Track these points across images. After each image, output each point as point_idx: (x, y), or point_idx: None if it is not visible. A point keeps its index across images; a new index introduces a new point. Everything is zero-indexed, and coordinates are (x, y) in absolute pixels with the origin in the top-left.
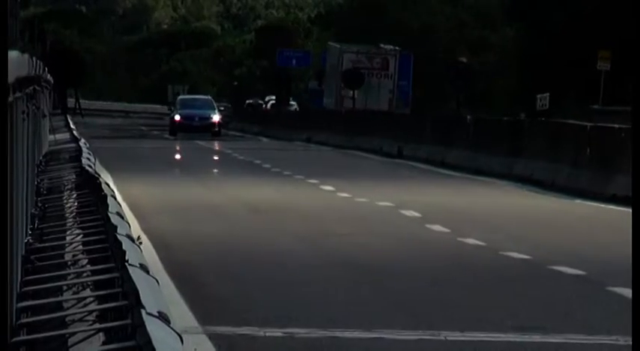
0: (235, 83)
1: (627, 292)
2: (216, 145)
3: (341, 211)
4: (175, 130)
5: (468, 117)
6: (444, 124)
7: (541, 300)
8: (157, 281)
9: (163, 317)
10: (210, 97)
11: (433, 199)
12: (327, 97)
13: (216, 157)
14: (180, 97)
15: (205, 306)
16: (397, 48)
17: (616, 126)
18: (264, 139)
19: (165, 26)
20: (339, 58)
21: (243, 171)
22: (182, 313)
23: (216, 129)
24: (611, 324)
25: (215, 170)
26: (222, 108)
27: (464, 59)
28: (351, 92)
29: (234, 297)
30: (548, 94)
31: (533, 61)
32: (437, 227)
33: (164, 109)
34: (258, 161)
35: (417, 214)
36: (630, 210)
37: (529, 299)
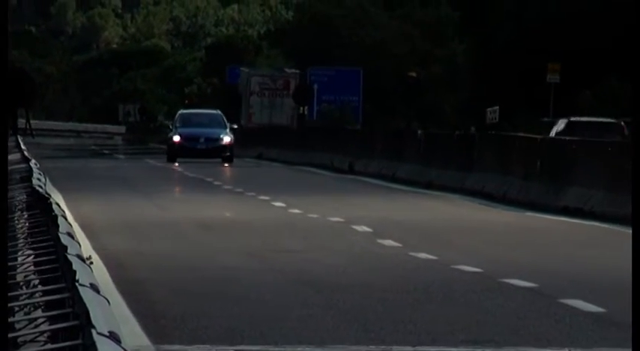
0: (187, 101)
1: (579, 304)
2: (168, 164)
3: (292, 227)
4: (174, 154)
5: (419, 131)
6: (395, 139)
7: (493, 313)
8: (108, 301)
9: (114, 337)
10: (219, 112)
11: (384, 213)
12: (242, 118)
13: (166, 175)
14: (181, 111)
15: (157, 324)
16: (297, 71)
17: (567, 138)
18: None
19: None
20: (247, 80)
21: (194, 188)
22: (134, 332)
23: (228, 153)
24: (564, 336)
25: (166, 188)
26: (234, 126)
27: (414, 74)
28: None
29: (186, 314)
30: (497, 107)
31: (483, 74)
32: (388, 242)
33: (114, 128)
34: (209, 178)
35: (368, 229)
36: (582, 222)
37: (481, 312)
